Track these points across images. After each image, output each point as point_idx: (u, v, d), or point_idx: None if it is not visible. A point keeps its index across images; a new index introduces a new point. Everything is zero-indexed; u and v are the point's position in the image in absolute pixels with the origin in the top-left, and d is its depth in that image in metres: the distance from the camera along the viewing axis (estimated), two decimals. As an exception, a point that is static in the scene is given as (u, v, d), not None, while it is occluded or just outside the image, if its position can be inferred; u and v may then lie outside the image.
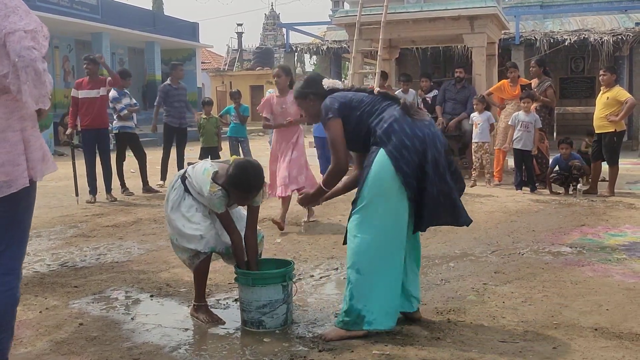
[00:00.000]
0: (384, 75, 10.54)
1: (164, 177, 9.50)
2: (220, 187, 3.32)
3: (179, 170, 9.16)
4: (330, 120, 3.28)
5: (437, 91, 10.37)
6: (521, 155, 8.43)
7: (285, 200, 6.23)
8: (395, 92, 10.34)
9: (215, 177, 3.35)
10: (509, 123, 8.53)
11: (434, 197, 3.14)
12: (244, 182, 3.32)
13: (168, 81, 9.51)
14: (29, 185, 2.45)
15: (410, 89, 10.26)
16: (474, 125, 9.09)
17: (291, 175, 6.13)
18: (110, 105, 8.60)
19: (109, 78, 8.12)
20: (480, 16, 9.70)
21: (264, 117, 6.41)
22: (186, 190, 3.48)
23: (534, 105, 8.59)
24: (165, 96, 9.28)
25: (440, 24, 9.92)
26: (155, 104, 9.51)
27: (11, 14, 2.34)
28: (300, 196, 3.79)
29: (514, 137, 8.43)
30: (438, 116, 9.84)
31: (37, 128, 2.58)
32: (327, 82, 3.50)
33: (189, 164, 3.86)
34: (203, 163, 3.52)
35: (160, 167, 9.58)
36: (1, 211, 2.46)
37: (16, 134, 2.43)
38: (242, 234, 3.50)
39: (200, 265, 3.50)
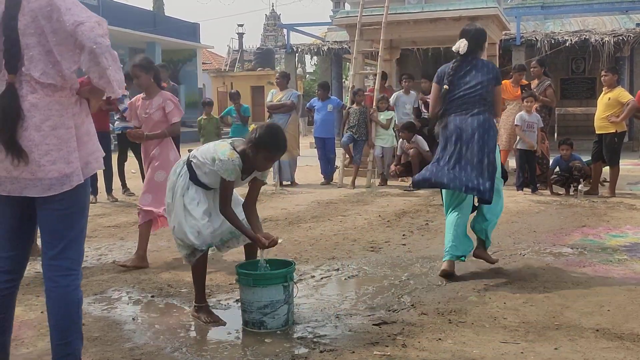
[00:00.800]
0: (384, 76, 10.53)
1: (163, 177, 9.50)
2: (238, 156, 3.37)
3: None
4: (433, 83, 4.50)
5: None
6: (525, 156, 8.40)
7: (145, 228, 4.84)
8: (396, 93, 10.36)
9: (233, 145, 3.43)
10: (516, 123, 8.45)
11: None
12: (273, 141, 3.40)
13: None
14: (82, 181, 2.42)
15: (411, 91, 10.24)
16: (474, 126, 9.06)
17: (150, 197, 4.84)
18: None
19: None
20: (481, 17, 9.68)
21: (134, 125, 5.09)
22: (191, 178, 3.49)
23: (535, 105, 8.57)
24: None
25: (441, 25, 9.92)
26: None
27: (72, 6, 2.35)
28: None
29: (517, 138, 8.42)
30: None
31: (92, 123, 2.57)
32: (455, 46, 4.36)
33: (189, 150, 3.90)
34: (209, 143, 3.58)
35: None
36: (55, 209, 2.41)
37: (69, 131, 2.40)
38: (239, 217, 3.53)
39: (197, 264, 3.51)
